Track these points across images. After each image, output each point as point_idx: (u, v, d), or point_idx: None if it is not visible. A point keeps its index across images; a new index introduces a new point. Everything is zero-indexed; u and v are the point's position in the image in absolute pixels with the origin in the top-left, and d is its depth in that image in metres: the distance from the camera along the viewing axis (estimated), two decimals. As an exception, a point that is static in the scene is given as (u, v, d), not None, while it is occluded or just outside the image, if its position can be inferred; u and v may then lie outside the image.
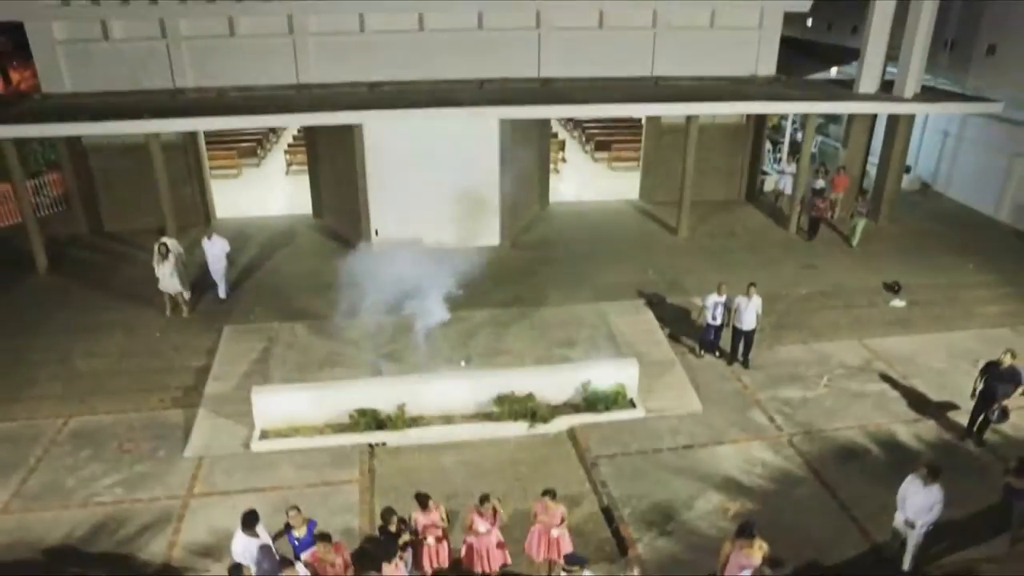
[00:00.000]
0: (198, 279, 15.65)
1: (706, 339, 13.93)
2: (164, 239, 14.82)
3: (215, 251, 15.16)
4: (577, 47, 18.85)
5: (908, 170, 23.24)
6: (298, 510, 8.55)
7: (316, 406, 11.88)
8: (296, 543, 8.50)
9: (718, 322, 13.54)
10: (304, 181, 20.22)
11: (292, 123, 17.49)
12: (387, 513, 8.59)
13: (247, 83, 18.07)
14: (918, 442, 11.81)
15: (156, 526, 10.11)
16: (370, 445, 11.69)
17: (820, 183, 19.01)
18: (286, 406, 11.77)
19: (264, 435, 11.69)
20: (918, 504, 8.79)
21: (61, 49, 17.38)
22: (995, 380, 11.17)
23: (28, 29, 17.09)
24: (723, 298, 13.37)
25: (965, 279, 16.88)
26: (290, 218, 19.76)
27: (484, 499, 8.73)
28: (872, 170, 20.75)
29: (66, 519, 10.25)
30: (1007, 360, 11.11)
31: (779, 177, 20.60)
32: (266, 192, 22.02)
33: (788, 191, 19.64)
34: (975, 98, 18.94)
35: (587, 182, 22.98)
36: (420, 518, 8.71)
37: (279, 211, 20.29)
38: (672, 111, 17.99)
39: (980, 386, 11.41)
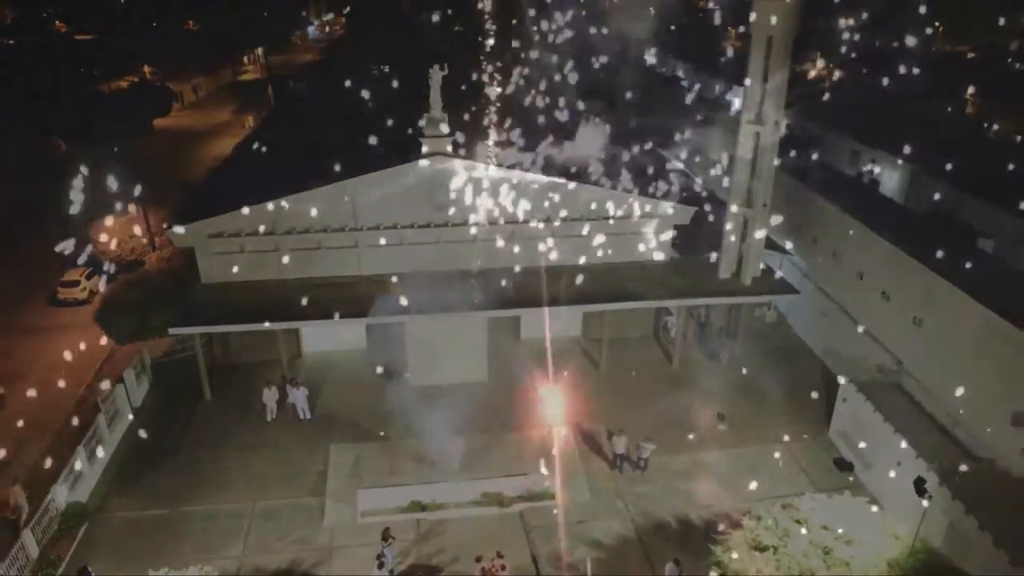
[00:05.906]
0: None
1: (615, 462, 26.84)
2: (286, 382, 28.16)
3: (299, 394, 28.60)
4: (538, 247, 31.59)
5: (770, 306, 36.33)
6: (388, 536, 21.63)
7: (390, 499, 24.82)
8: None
9: (621, 452, 26.46)
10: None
11: (361, 322, 30.40)
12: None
13: (328, 274, 30.96)
14: (699, 521, 24.76)
15: (319, 562, 23.08)
16: (417, 520, 24.62)
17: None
18: (375, 499, 24.74)
19: (363, 514, 24.62)
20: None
21: (214, 258, 30.20)
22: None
23: (197, 251, 29.92)
24: (623, 439, 26.32)
25: (771, 407, 29.83)
26: (352, 352, 32.63)
27: (499, 555, 21.76)
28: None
29: (276, 560, 23.21)
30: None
31: (672, 326, 33.53)
32: (337, 329, 33.52)
33: (673, 334, 32.60)
34: (783, 290, 31.71)
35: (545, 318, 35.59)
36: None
37: (345, 346, 32.98)
38: (599, 308, 30.61)
39: None
